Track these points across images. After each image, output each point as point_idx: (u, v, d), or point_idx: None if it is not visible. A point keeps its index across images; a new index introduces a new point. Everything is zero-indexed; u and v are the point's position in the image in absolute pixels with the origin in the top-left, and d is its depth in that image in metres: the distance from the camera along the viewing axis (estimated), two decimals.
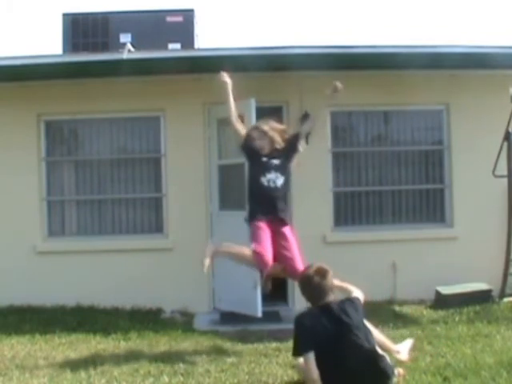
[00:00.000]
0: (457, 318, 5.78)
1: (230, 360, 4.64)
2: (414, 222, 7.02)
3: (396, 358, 4.01)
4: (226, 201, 6.70)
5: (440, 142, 7.11)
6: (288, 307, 6.68)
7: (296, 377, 4.18)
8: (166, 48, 7.83)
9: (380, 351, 3.67)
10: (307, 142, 6.76)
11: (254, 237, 4.71)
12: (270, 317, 6.15)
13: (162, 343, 5.24)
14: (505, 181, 6.49)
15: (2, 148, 6.75)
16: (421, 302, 6.46)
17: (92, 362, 4.69)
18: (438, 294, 6.45)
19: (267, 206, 4.81)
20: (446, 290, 6.40)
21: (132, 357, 4.81)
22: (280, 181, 4.89)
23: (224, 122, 6.74)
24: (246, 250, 4.65)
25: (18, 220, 6.69)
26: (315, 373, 3.51)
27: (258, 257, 4.58)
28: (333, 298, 3.85)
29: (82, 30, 8.48)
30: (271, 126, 5.07)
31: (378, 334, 3.99)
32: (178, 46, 8.22)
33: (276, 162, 4.93)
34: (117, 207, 6.98)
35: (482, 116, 6.79)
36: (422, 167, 7.08)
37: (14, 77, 6.40)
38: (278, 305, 6.67)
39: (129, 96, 6.63)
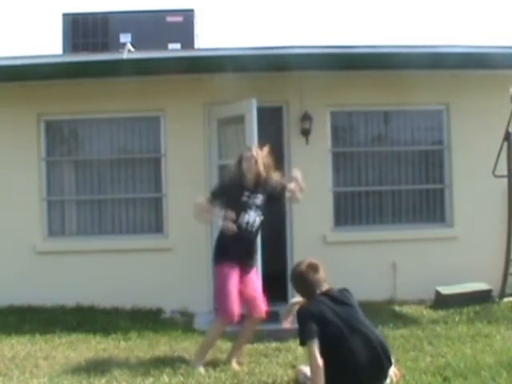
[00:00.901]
0: (457, 318, 5.78)
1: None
2: (413, 222, 7.02)
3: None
4: None
5: (440, 142, 7.11)
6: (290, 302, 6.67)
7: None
8: (166, 48, 7.84)
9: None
10: (307, 142, 6.80)
11: (222, 287, 4.43)
12: (270, 317, 6.14)
13: (162, 343, 5.24)
14: (505, 181, 6.49)
15: (1, 148, 6.74)
16: (421, 302, 6.46)
17: (92, 361, 4.70)
18: (438, 294, 6.45)
19: (241, 251, 4.50)
20: (446, 289, 6.39)
21: (132, 357, 4.81)
22: (257, 223, 4.58)
23: (224, 122, 6.78)
24: (214, 331, 4.51)
25: (18, 220, 6.68)
26: (319, 360, 3.51)
27: (227, 317, 4.38)
28: (328, 287, 3.90)
29: (82, 30, 8.49)
30: (263, 157, 4.65)
31: None
32: (178, 46, 8.24)
33: (257, 200, 4.59)
34: (117, 207, 6.98)
35: (482, 116, 6.79)
36: (422, 167, 7.08)
37: (14, 77, 6.40)
38: (278, 305, 6.65)
39: (129, 96, 6.63)
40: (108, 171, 6.97)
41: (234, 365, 4.49)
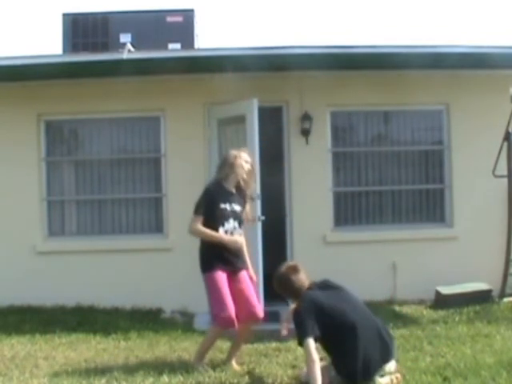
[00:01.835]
0: (457, 318, 5.78)
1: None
2: (413, 222, 7.02)
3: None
4: None
5: (440, 142, 7.11)
6: (288, 307, 6.67)
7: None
8: (166, 48, 7.83)
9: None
10: (307, 142, 6.80)
11: (215, 293, 4.34)
12: (270, 317, 6.14)
13: (162, 343, 5.23)
14: (505, 181, 6.49)
15: (2, 148, 6.75)
16: (421, 302, 6.46)
17: (92, 361, 4.70)
18: (438, 294, 6.45)
19: (226, 256, 4.41)
20: (445, 289, 6.39)
21: (132, 357, 4.81)
22: (238, 229, 4.47)
23: (225, 122, 6.78)
24: (211, 337, 4.44)
25: (18, 220, 6.69)
26: (315, 355, 3.63)
27: (224, 322, 4.30)
28: (310, 282, 4.05)
29: (82, 30, 8.49)
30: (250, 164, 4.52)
31: None
32: (178, 46, 8.23)
33: (237, 208, 4.47)
34: (117, 207, 6.98)
35: (482, 116, 6.80)
36: (422, 167, 7.08)
37: (14, 77, 6.40)
38: (278, 305, 6.66)
39: (129, 96, 6.63)
40: (108, 171, 6.98)
41: (234, 365, 4.48)
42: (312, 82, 6.63)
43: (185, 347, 5.08)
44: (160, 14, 8.65)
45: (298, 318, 3.81)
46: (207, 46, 9.38)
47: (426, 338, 5.06)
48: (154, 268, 6.60)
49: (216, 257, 4.42)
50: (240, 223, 4.50)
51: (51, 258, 6.68)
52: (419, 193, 7.07)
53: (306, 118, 6.71)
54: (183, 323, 6.06)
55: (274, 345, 5.04)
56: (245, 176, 4.49)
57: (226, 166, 4.50)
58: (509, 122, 6.43)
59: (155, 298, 6.44)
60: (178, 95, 6.69)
